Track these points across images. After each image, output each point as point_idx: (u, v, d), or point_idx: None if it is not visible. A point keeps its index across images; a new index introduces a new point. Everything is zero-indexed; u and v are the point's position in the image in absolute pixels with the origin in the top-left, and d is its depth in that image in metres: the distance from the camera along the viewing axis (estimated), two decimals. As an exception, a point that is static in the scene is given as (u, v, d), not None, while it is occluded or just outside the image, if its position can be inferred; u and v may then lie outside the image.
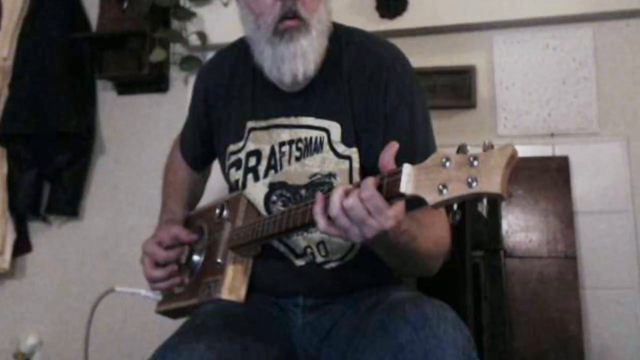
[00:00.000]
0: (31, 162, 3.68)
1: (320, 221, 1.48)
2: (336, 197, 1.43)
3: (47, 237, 3.82)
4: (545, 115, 3.11)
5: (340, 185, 1.46)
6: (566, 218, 2.95)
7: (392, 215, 1.38)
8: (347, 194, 1.42)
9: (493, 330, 2.72)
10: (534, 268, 2.92)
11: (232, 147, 2.01)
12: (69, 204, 3.71)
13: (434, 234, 1.70)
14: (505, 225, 2.98)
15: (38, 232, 3.83)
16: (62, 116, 3.59)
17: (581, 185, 3.01)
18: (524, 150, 3.05)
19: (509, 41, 3.20)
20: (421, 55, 3.20)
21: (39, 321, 3.76)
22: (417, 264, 1.71)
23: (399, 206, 1.40)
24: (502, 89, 3.18)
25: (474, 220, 2.58)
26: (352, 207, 1.40)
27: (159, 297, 2.19)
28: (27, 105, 3.59)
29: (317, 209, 1.48)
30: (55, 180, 3.72)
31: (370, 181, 1.40)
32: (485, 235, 2.87)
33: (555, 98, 3.10)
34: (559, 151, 3.06)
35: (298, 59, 1.82)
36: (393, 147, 1.43)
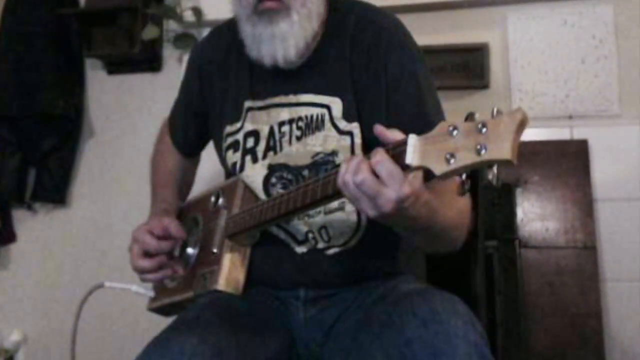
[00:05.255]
0: (15, 146, 3.67)
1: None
2: (348, 174, 1.41)
3: (32, 226, 3.82)
4: (563, 96, 3.09)
5: (347, 161, 1.43)
6: (585, 206, 2.95)
7: (407, 180, 1.36)
8: (357, 170, 1.39)
9: (507, 325, 2.72)
10: (550, 259, 2.92)
11: (229, 128, 2.01)
12: (55, 191, 3.71)
13: (455, 203, 1.68)
14: (520, 213, 2.97)
15: (23, 220, 3.84)
16: (48, 97, 3.58)
17: (601, 171, 3.00)
18: (541, 134, 3.04)
19: (524, 17, 3.18)
20: (431, 33, 3.19)
21: (24, 316, 3.76)
22: (443, 236, 1.68)
23: (416, 175, 1.38)
24: (517, 68, 3.17)
25: (487, 209, 2.57)
26: (363, 181, 1.37)
27: (151, 293, 2.18)
28: (11, 85, 3.58)
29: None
30: (41, 165, 3.72)
31: (380, 149, 1.38)
32: (499, 224, 2.86)
33: (574, 78, 3.09)
34: (578, 134, 3.05)
35: (277, 42, 1.83)
36: (379, 129, 1.43)
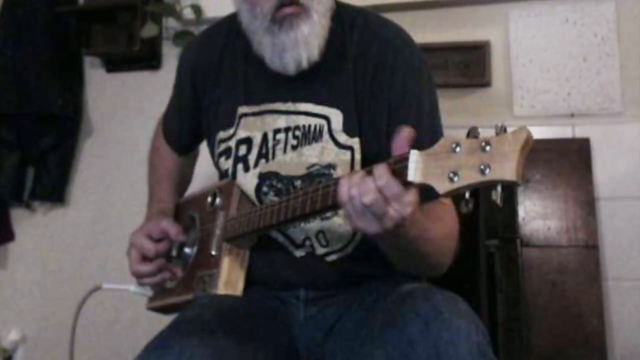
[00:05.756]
0: (14, 144, 3.67)
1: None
2: (355, 190, 1.40)
3: (31, 225, 3.82)
4: (565, 94, 3.09)
5: (349, 176, 1.43)
6: (587, 204, 2.94)
7: (410, 201, 1.35)
8: (365, 190, 1.38)
9: (509, 325, 2.72)
10: (552, 258, 2.91)
11: (221, 135, 1.99)
12: (54, 190, 3.71)
13: (444, 227, 1.69)
14: (521, 212, 2.97)
15: (21, 219, 3.83)
16: (47, 95, 3.58)
17: (603, 169, 3.00)
18: (542, 132, 3.04)
19: (525, 15, 3.18)
20: (432, 30, 3.18)
21: (22, 315, 3.75)
22: (426, 259, 1.68)
23: (415, 192, 1.37)
24: (518, 66, 3.16)
25: (489, 208, 2.57)
26: (373, 202, 1.36)
27: (150, 293, 2.18)
28: (10, 84, 3.57)
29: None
30: (40, 164, 3.71)
31: (383, 168, 1.37)
32: (501, 223, 2.86)
33: (576, 76, 3.09)
34: (580, 133, 3.05)
35: (300, 47, 1.80)
36: (405, 132, 1.41)
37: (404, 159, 1.31)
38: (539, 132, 3.03)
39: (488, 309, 2.30)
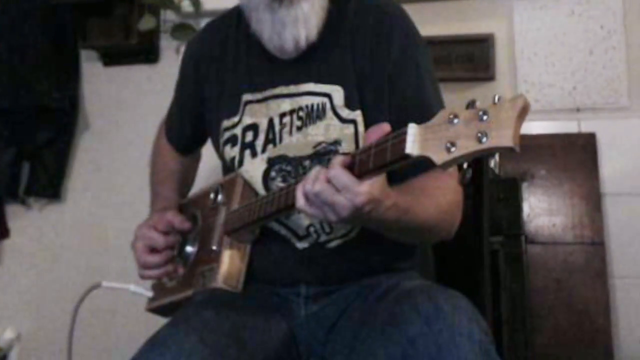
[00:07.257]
0: (9, 139, 3.66)
1: (300, 200, 1.51)
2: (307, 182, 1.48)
3: (26, 221, 3.82)
4: (571, 88, 3.09)
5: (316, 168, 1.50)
6: (593, 201, 2.94)
7: (362, 191, 1.41)
8: (314, 180, 1.46)
9: (513, 323, 2.72)
10: (557, 255, 2.92)
11: (226, 123, 2.00)
12: (50, 186, 3.71)
13: (435, 200, 1.71)
14: (526, 208, 2.97)
15: (16, 216, 3.83)
16: (42, 90, 3.58)
17: (609, 165, 3.00)
18: (547, 127, 3.04)
19: (530, 7, 3.18)
20: (436, 23, 3.19)
21: (18, 313, 3.76)
22: (421, 232, 1.72)
23: (374, 181, 1.43)
24: (523, 60, 3.16)
25: (493, 204, 2.57)
26: (320, 191, 1.44)
27: (149, 294, 2.18)
28: (5, 77, 3.57)
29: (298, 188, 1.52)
30: (35, 159, 3.71)
31: (338, 160, 1.43)
32: (505, 220, 2.85)
33: (582, 69, 3.09)
34: (586, 127, 3.05)
35: (300, 24, 1.82)
36: (384, 128, 1.44)
37: (402, 132, 1.33)
38: (544, 127, 3.04)
39: (492, 307, 2.30)
